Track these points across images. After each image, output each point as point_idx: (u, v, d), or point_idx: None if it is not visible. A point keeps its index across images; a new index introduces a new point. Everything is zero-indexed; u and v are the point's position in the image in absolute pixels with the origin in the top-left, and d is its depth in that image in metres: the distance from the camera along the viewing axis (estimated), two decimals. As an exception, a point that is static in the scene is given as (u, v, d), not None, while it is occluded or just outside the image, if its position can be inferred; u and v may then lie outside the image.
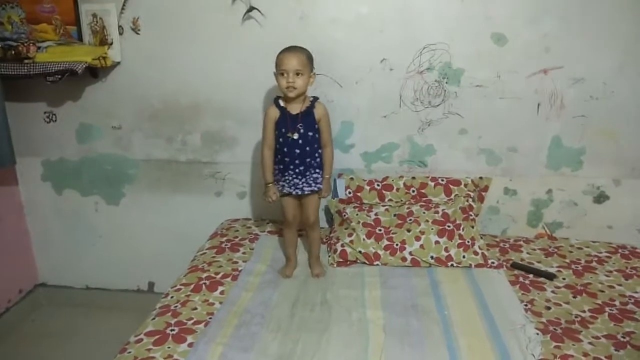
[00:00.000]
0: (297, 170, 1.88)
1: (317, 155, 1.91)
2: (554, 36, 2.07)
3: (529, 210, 2.33)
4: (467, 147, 2.27)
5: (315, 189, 1.93)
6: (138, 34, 2.27)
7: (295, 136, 1.85)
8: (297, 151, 1.86)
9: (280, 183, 1.92)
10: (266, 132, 1.90)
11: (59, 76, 2.11)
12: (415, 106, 2.23)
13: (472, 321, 1.63)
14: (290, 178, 1.90)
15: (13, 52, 2.19)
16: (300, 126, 1.86)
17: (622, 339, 1.53)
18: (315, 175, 1.92)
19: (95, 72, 2.34)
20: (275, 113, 1.88)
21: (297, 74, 1.79)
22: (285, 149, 1.87)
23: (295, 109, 1.87)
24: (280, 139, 1.87)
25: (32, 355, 2.38)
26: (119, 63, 2.31)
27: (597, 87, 2.12)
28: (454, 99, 2.20)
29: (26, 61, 2.15)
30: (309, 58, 1.85)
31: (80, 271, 2.74)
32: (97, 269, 2.72)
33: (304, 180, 1.90)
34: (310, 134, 1.87)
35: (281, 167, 1.90)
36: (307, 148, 1.87)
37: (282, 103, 1.88)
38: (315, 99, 1.92)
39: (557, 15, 2.04)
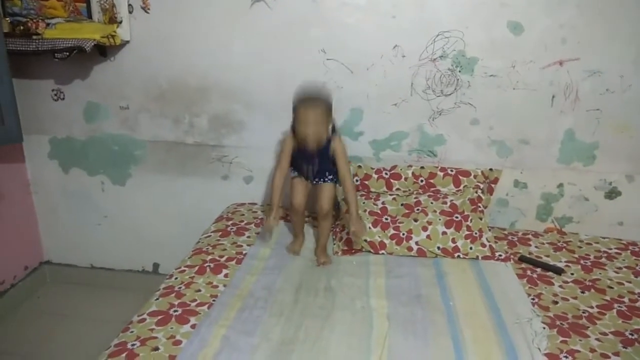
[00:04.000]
0: (311, 176, 1.99)
1: (331, 168, 1.95)
2: (571, 27, 2.02)
3: (538, 204, 2.30)
4: (478, 138, 2.24)
5: (327, 180, 1.95)
6: (147, 13, 2.24)
7: (311, 168, 1.94)
8: (315, 169, 1.95)
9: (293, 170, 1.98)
10: (282, 159, 1.94)
11: (67, 53, 2.09)
12: (426, 95, 2.20)
13: (477, 313, 1.61)
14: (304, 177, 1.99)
15: (22, 27, 2.17)
16: (317, 161, 1.92)
17: (630, 336, 1.51)
18: (329, 176, 1.97)
19: (104, 51, 2.31)
20: (292, 144, 1.91)
21: (317, 124, 1.81)
22: (302, 167, 1.96)
23: (312, 144, 1.86)
24: (298, 160, 1.95)
25: (36, 330, 2.40)
26: (127, 42, 2.29)
27: (613, 80, 2.07)
28: (466, 89, 2.16)
29: (34, 37, 2.13)
30: (329, 107, 1.86)
31: (86, 250, 2.74)
32: (102, 249, 2.72)
33: (316, 178, 1.97)
34: (326, 161, 1.93)
35: (295, 172, 2.00)
36: (324, 167, 1.95)
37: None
38: (333, 134, 1.90)
39: (575, 6, 1.99)
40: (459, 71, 2.14)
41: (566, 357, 1.41)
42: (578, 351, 1.43)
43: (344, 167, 1.92)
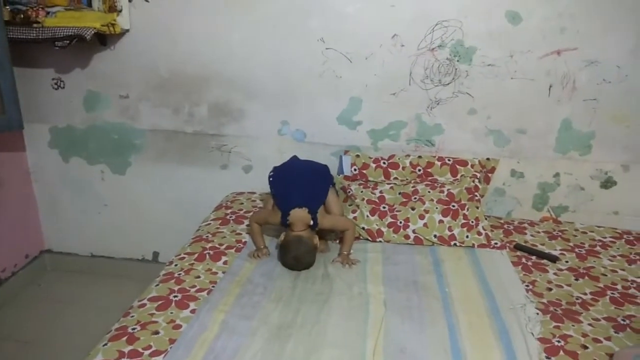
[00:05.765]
0: None
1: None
2: (570, 16, 2.03)
3: (535, 193, 2.32)
4: (476, 128, 2.25)
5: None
6: (147, 1, 2.24)
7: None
8: None
9: None
10: (261, 218, 1.91)
11: (67, 41, 2.10)
12: (425, 84, 2.21)
13: (472, 299, 1.64)
14: None
15: (22, 15, 2.17)
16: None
17: (622, 322, 1.54)
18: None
19: (104, 40, 2.32)
20: (277, 222, 1.84)
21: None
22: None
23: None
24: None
25: (37, 317, 2.42)
26: (127, 31, 2.29)
27: (610, 70, 2.09)
28: (464, 78, 2.17)
29: (35, 25, 2.14)
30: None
31: (86, 239, 2.76)
32: (102, 238, 2.74)
33: None
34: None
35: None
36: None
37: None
38: (315, 224, 1.82)
39: (574, -5, 2.00)
40: (457, 61, 2.15)
41: (559, 341, 1.43)
42: (570, 336, 1.46)
43: (340, 221, 1.91)
